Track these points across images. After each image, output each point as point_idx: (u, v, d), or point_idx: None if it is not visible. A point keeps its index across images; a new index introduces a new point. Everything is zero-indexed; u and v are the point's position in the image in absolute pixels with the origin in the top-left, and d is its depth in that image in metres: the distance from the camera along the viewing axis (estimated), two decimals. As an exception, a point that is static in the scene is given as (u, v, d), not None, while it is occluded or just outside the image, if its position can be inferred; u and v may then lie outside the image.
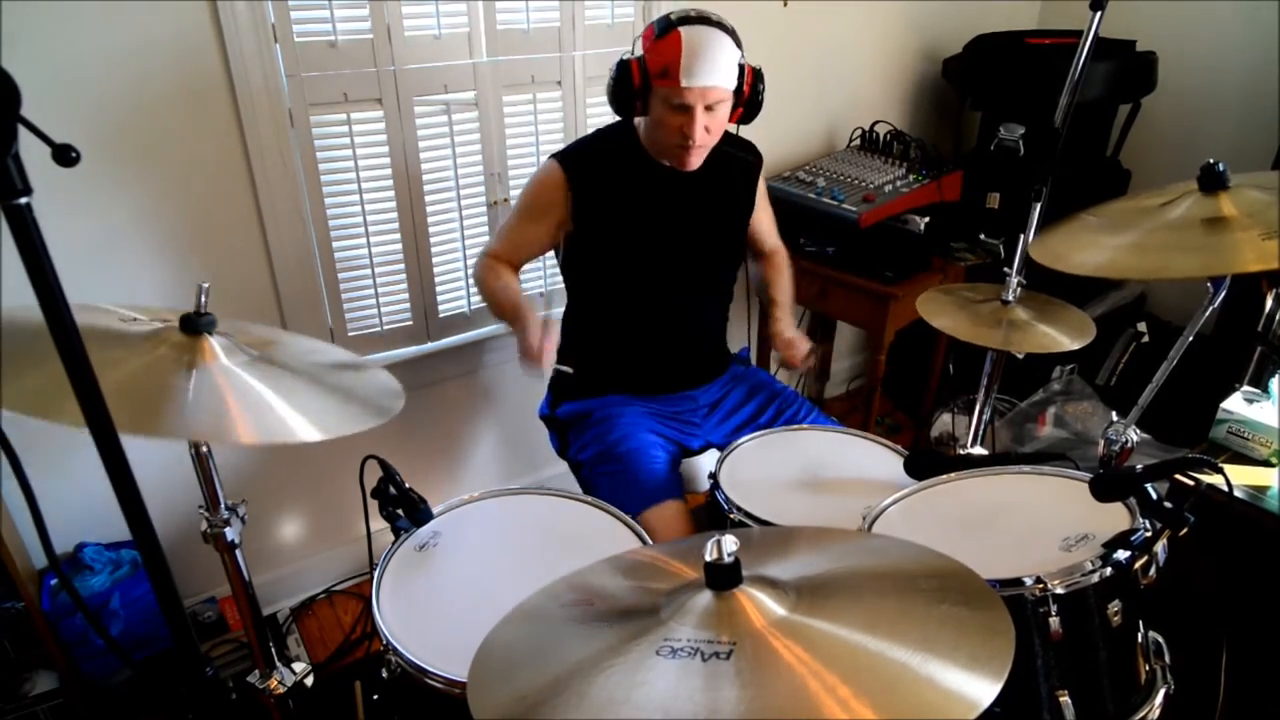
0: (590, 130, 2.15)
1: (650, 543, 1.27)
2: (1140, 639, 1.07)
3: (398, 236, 1.99)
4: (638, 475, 1.56)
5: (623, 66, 1.48)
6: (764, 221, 1.88)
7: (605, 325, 1.73)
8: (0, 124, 0.56)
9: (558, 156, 1.61)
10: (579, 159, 1.60)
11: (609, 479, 1.58)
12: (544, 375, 1.62)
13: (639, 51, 1.49)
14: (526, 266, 2.21)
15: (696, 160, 1.56)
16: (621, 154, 1.61)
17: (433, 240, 2.04)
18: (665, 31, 1.43)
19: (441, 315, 2.14)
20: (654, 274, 1.67)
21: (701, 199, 1.68)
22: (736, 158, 1.71)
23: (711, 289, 1.79)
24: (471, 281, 1.78)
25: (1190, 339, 1.28)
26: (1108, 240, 1.29)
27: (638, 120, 1.61)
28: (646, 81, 1.47)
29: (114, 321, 1.01)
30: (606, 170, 1.59)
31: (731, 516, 1.37)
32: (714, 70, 1.43)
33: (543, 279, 2.28)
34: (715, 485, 1.44)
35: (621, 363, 1.73)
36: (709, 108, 1.47)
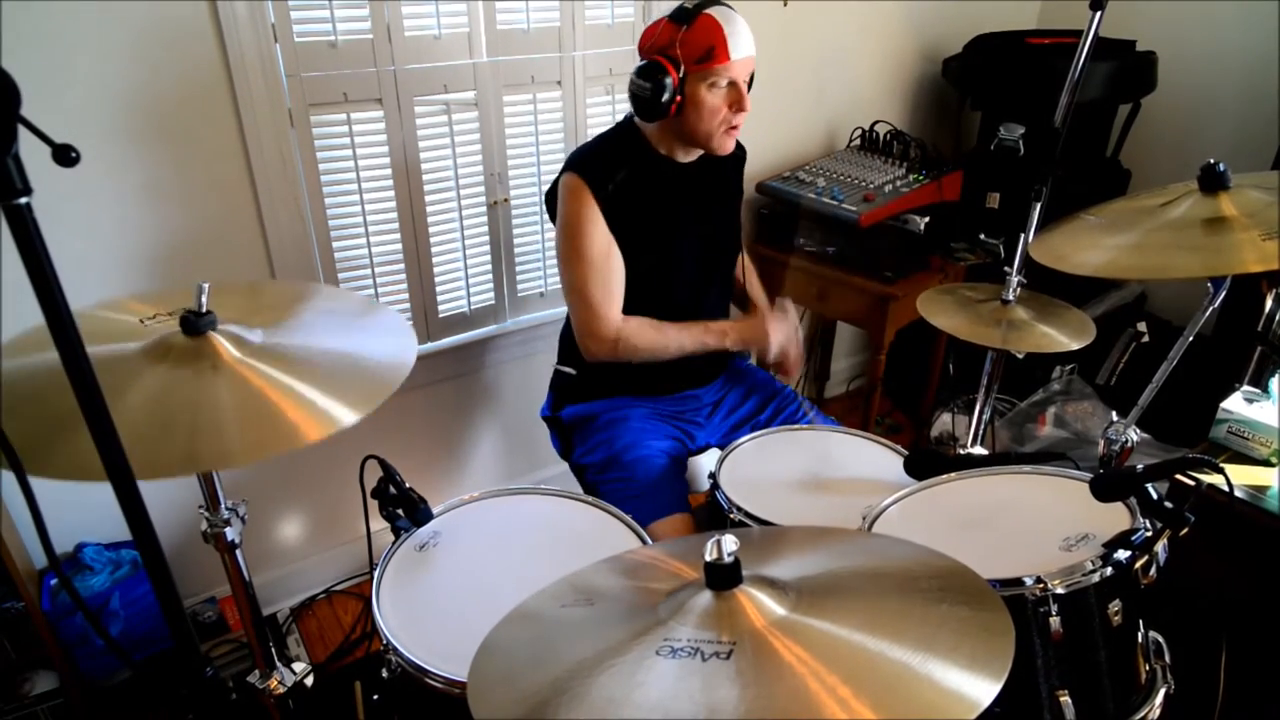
0: (589, 130, 2.17)
1: (650, 543, 1.27)
2: (1140, 639, 1.07)
3: (398, 236, 1.99)
4: (645, 486, 1.56)
5: (656, 68, 1.46)
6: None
7: None
8: (0, 124, 0.56)
9: (573, 169, 1.56)
10: (593, 164, 1.57)
11: (615, 487, 1.58)
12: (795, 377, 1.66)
13: (658, 50, 1.48)
14: (523, 266, 2.23)
15: (733, 141, 1.59)
16: (632, 154, 1.60)
17: (433, 240, 2.04)
18: (692, 18, 1.45)
19: (441, 315, 2.14)
20: (665, 271, 1.66)
21: (708, 193, 1.68)
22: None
23: (716, 285, 1.79)
24: (616, 357, 1.62)
25: (1190, 339, 1.28)
26: (1108, 240, 1.29)
27: (639, 121, 1.61)
28: (682, 74, 1.47)
29: (116, 346, 1.00)
30: (621, 171, 1.57)
31: (731, 516, 1.37)
32: (750, 41, 1.49)
33: (542, 279, 2.28)
34: (715, 485, 1.44)
35: (629, 366, 1.72)
36: (747, 81, 1.52)
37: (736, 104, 1.51)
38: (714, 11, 1.45)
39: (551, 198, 1.64)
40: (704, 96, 1.49)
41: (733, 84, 1.49)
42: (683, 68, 1.46)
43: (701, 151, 1.64)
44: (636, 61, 1.50)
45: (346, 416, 0.93)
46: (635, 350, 1.61)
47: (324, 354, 1.06)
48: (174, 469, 0.83)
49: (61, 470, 0.80)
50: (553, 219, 1.65)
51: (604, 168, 1.56)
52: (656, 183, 1.61)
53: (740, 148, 1.77)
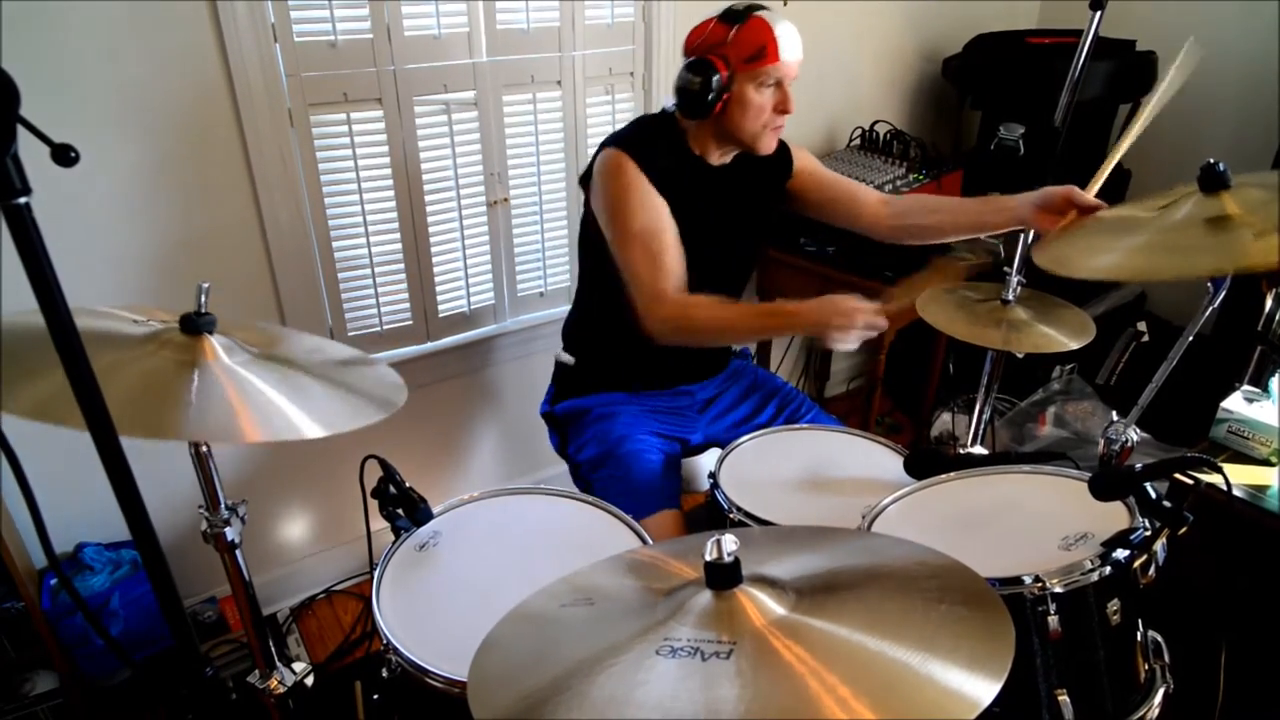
0: (589, 130, 2.17)
1: (650, 542, 1.27)
2: (1139, 638, 1.07)
3: (398, 236, 1.99)
4: (636, 482, 1.56)
5: (706, 64, 1.47)
6: (842, 182, 1.78)
7: (617, 317, 1.62)
8: (0, 124, 0.56)
9: (616, 144, 1.54)
10: (634, 144, 1.55)
11: (607, 483, 1.58)
12: (874, 329, 1.44)
13: (708, 49, 1.48)
14: (522, 266, 2.23)
15: (775, 141, 1.60)
16: (667, 144, 1.59)
17: (433, 240, 2.04)
18: (743, 19, 1.47)
19: (441, 315, 2.14)
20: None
21: (731, 198, 1.67)
22: (768, 158, 1.68)
23: (727, 288, 1.78)
24: (678, 336, 1.54)
25: (1190, 339, 1.28)
26: (1112, 243, 1.28)
27: (680, 117, 1.59)
28: (730, 72, 1.48)
29: (114, 324, 1.01)
30: (655, 159, 1.55)
31: (731, 516, 1.37)
32: (798, 45, 1.52)
33: (542, 279, 2.28)
34: (715, 485, 1.44)
35: (628, 358, 1.71)
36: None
37: (781, 105, 1.53)
38: (764, 14, 1.48)
39: (587, 179, 1.61)
40: (751, 96, 1.50)
41: (779, 85, 1.52)
42: (732, 66, 1.48)
43: (733, 156, 1.64)
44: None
45: (285, 432, 0.93)
46: (696, 330, 1.53)
47: (306, 377, 1.07)
48: (124, 427, 0.82)
49: (27, 409, 0.80)
50: (587, 198, 1.62)
51: (639, 147, 1.54)
52: (686, 178, 1.59)
53: (787, 155, 1.73)
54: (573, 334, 1.76)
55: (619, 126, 1.71)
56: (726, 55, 1.48)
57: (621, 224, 1.51)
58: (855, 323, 1.43)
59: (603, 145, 1.57)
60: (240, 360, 1.00)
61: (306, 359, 1.11)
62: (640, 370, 1.71)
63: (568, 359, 1.76)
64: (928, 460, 1.38)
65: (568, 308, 1.80)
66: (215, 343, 0.99)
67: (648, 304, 1.49)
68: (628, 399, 1.71)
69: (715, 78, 1.47)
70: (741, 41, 1.47)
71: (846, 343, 1.45)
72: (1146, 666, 1.08)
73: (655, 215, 1.51)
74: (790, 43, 1.49)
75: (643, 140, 1.57)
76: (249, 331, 1.10)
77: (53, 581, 1.74)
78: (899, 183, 2.35)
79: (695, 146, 1.61)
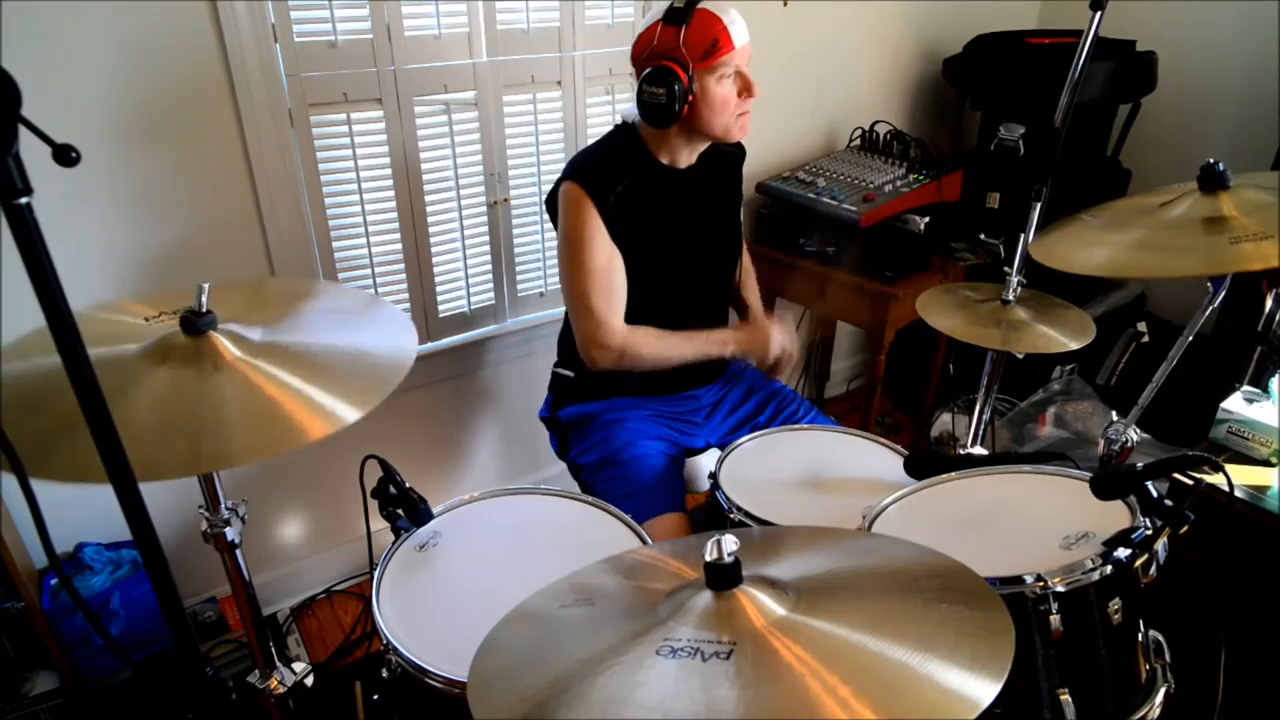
0: (589, 130, 2.18)
1: (650, 543, 1.27)
2: (1140, 637, 1.07)
3: (398, 236, 1.99)
4: (639, 485, 1.56)
5: (665, 72, 1.45)
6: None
7: None
8: (0, 124, 0.56)
9: (574, 178, 1.55)
10: (595, 173, 1.56)
11: (611, 486, 1.58)
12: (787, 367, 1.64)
13: (661, 55, 1.47)
14: (522, 266, 2.23)
15: (747, 125, 1.59)
16: (633, 163, 1.59)
17: (433, 240, 2.04)
18: (687, 17, 1.45)
19: (441, 315, 2.14)
20: (666, 275, 1.66)
21: (707, 198, 1.68)
22: (726, 151, 1.72)
23: (716, 286, 1.79)
24: (620, 367, 1.62)
25: (1190, 339, 1.28)
26: (1109, 238, 1.29)
27: (641, 128, 1.60)
28: (690, 73, 1.47)
29: (119, 332, 1.01)
30: (622, 182, 1.56)
31: (731, 516, 1.37)
32: (744, 26, 1.49)
33: (542, 279, 2.28)
34: (715, 485, 1.44)
35: (628, 371, 1.71)
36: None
37: (746, 90, 1.53)
38: (707, 5, 1.46)
39: (552, 202, 1.63)
40: (714, 90, 1.49)
41: (739, 72, 1.51)
42: (690, 67, 1.46)
43: (700, 152, 1.64)
44: (629, 71, 1.50)
45: (349, 414, 0.93)
46: (640, 359, 1.61)
47: (324, 350, 1.06)
48: (177, 471, 0.82)
49: (64, 473, 0.80)
50: (554, 223, 1.65)
51: (605, 178, 1.55)
52: (657, 192, 1.60)
53: (739, 147, 1.78)
54: (570, 350, 1.75)
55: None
56: (681, 57, 1.46)
57: (579, 259, 1.55)
58: (771, 349, 1.64)
59: (564, 175, 1.58)
60: (250, 349, 0.99)
61: (314, 326, 1.11)
62: (643, 379, 1.70)
63: (568, 373, 1.76)
64: (928, 460, 1.38)
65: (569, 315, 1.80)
66: (221, 339, 0.99)
67: (598, 334, 1.58)
68: (634, 404, 1.71)
69: (677, 85, 1.45)
70: (693, 40, 1.45)
71: (777, 370, 1.72)
72: (1148, 666, 1.08)
73: (610, 253, 1.56)
74: (739, 28, 1.48)
75: (602, 167, 1.57)
76: (242, 294, 1.09)
77: (53, 581, 1.74)
78: (899, 183, 2.35)
79: (662, 154, 1.61)
